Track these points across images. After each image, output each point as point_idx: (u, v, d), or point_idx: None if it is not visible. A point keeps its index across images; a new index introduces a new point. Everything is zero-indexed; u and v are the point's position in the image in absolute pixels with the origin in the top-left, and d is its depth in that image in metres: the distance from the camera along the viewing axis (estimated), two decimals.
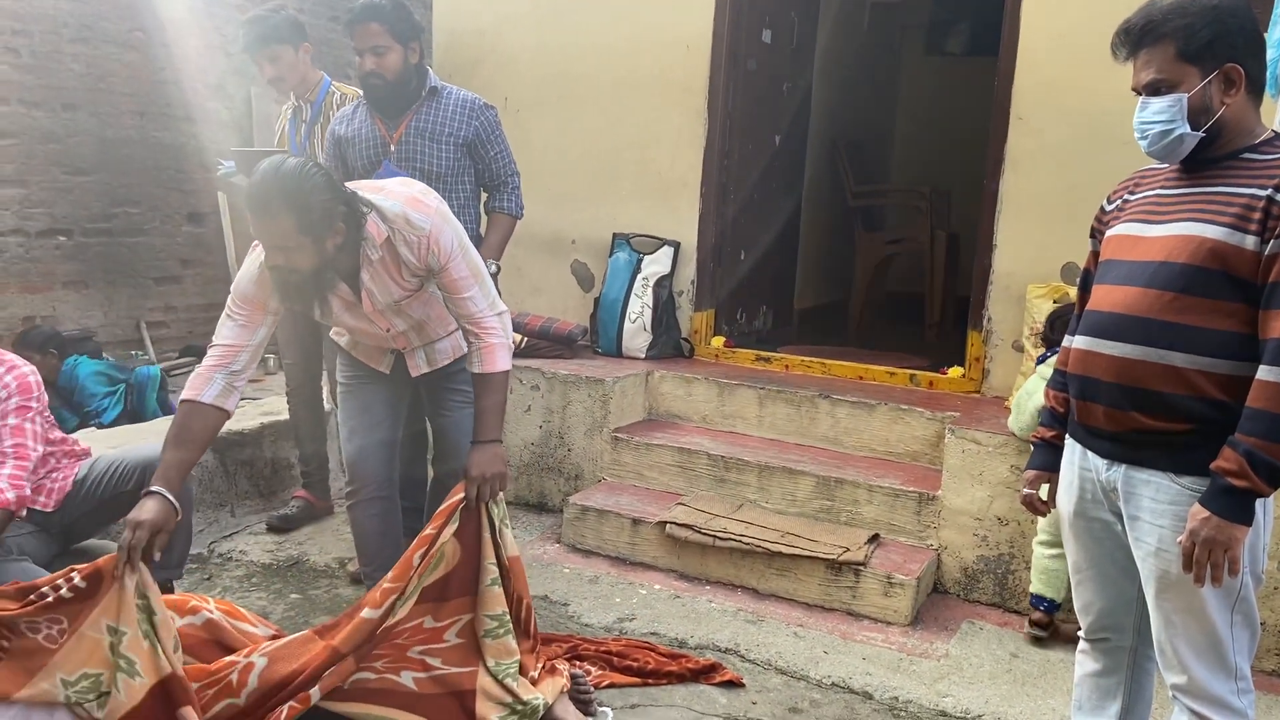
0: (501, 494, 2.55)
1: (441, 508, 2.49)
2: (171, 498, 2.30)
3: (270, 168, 2.32)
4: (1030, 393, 3.14)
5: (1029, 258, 3.89)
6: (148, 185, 6.80)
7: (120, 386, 5.28)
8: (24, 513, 2.86)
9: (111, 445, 3.30)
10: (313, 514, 4.00)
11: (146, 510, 2.24)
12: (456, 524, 2.46)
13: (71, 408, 5.23)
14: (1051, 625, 3.19)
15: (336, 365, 3.21)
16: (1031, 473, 2.24)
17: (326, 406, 4.02)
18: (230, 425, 4.10)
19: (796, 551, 3.37)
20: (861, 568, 3.31)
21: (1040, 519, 3.15)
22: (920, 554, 3.47)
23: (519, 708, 2.44)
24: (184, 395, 2.47)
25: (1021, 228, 3.91)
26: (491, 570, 2.48)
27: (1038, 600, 3.18)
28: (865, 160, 6.44)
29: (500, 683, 2.45)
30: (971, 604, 3.48)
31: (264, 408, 4.44)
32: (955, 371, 4.17)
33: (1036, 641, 3.19)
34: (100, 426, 5.06)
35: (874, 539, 3.50)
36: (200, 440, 2.46)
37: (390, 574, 2.42)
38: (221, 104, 7.26)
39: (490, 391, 2.60)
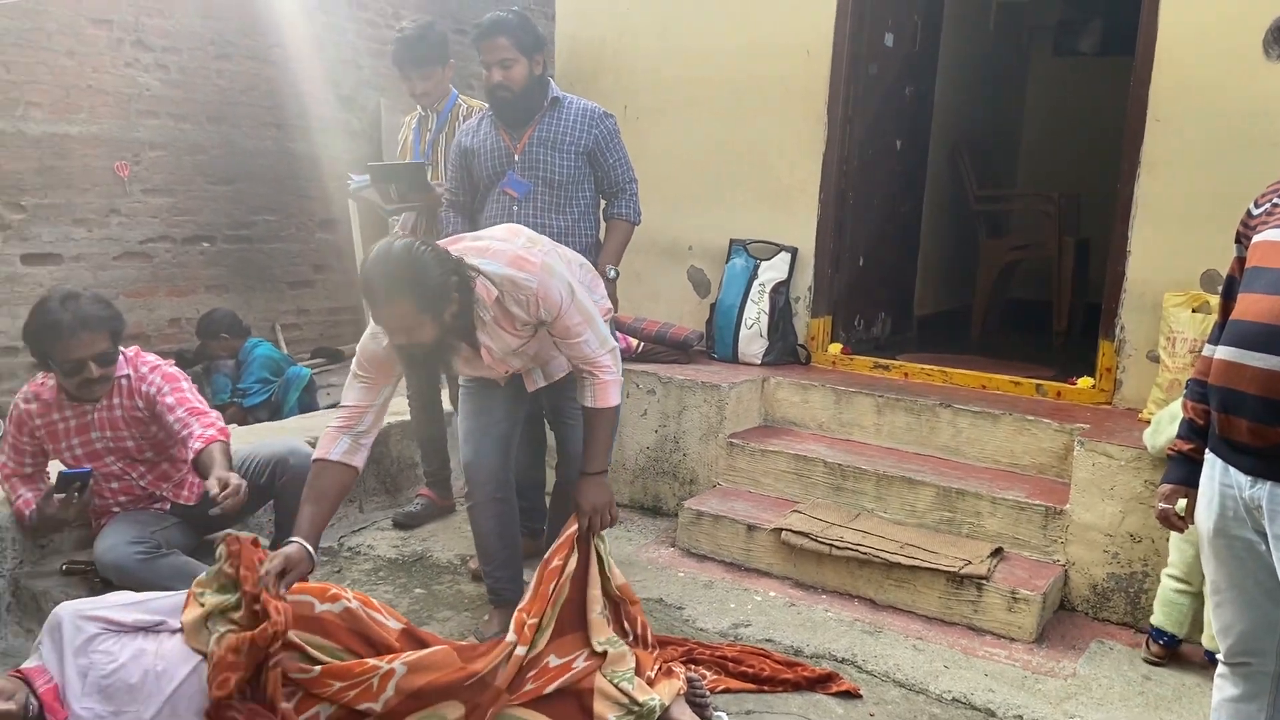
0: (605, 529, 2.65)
1: (559, 541, 2.60)
2: (309, 548, 2.43)
3: (378, 255, 2.36)
4: (1175, 415, 3.01)
5: (1166, 264, 3.72)
6: (283, 194, 7.13)
7: (276, 380, 5.63)
8: (167, 507, 3.05)
9: (246, 441, 3.46)
10: (436, 512, 4.12)
11: (286, 548, 2.39)
12: (578, 555, 2.58)
13: (234, 379, 5.63)
14: (1169, 657, 3.07)
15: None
16: (1167, 487, 2.16)
17: (446, 409, 4.14)
18: None
19: (916, 563, 3.31)
20: (984, 581, 3.23)
21: (1174, 554, 3.03)
22: (1046, 569, 3.36)
23: (635, 709, 2.48)
24: (315, 454, 2.61)
25: (1158, 233, 3.75)
26: (598, 601, 2.59)
27: (1158, 633, 3.06)
28: (989, 164, 6.28)
29: (616, 686, 2.50)
30: (1101, 623, 3.35)
31: (390, 408, 4.59)
32: (1085, 382, 4.02)
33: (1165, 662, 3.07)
34: (242, 408, 5.40)
35: (997, 552, 3.41)
36: (332, 495, 2.59)
37: (528, 608, 2.52)
38: (353, 115, 7.56)
39: (600, 425, 2.70)
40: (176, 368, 3.07)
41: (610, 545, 3.53)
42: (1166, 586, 3.04)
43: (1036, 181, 7.00)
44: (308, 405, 5.64)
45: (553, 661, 2.52)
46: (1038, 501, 3.46)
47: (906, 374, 4.41)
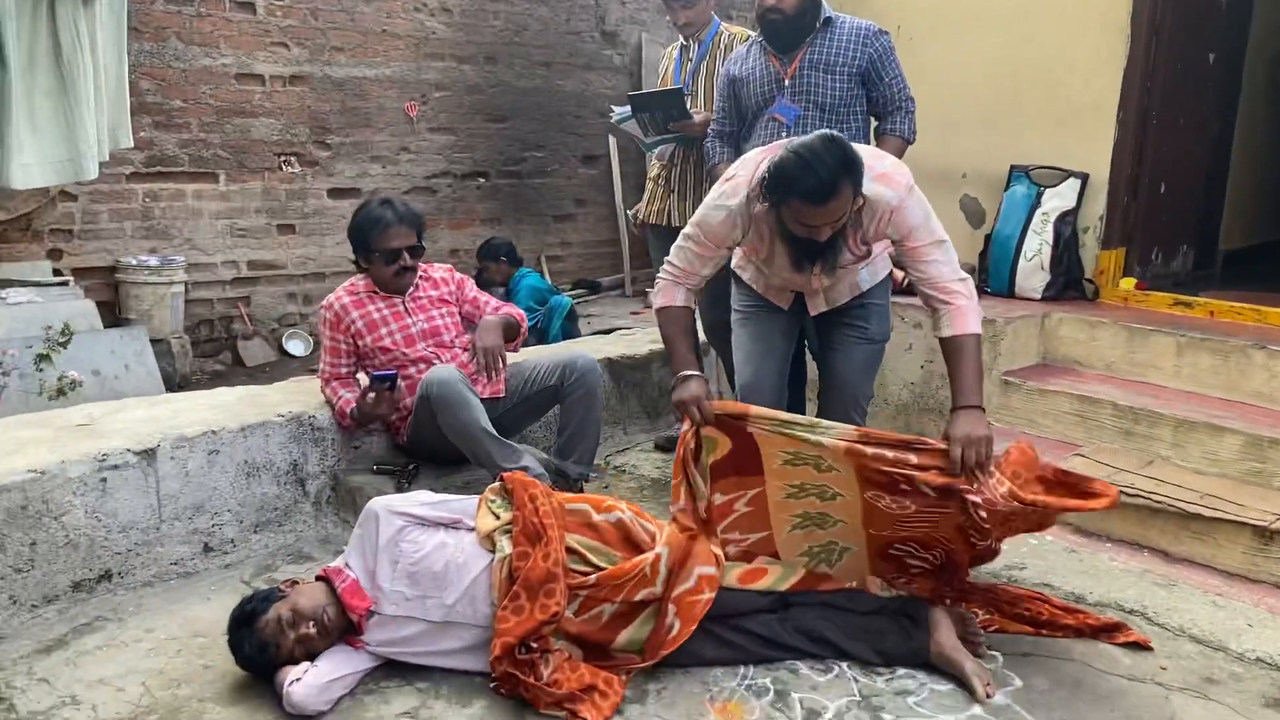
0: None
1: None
2: (702, 373, 2.68)
3: (812, 151, 2.34)
4: None
5: None
6: (550, 130, 7.41)
7: (541, 309, 5.95)
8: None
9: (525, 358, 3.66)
10: None
11: (690, 385, 2.62)
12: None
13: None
14: None
15: (703, 301, 3.37)
16: None
17: (701, 339, 4.16)
18: (623, 350, 4.42)
19: (1218, 515, 3.03)
20: None
21: None
22: None
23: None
24: (660, 303, 2.77)
25: None
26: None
27: None
28: None
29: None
30: None
31: (652, 335, 4.69)
32: None
33: None
34: None
35: None
36: (691, 330, 2.80)
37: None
38: (615, 50, 7.70)
39: (964, 356, 2.54)
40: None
41: None
42: None
43: None
44: (570, 333, 5.89)
45: (717, 498, 2.66)
46: None
47: (1212, 312, 4.00)
